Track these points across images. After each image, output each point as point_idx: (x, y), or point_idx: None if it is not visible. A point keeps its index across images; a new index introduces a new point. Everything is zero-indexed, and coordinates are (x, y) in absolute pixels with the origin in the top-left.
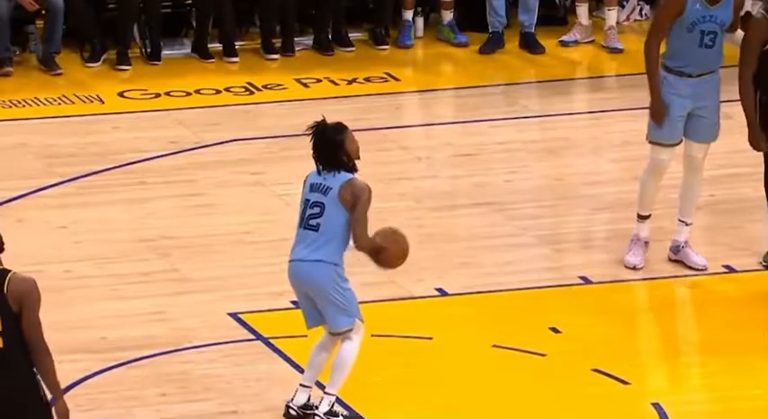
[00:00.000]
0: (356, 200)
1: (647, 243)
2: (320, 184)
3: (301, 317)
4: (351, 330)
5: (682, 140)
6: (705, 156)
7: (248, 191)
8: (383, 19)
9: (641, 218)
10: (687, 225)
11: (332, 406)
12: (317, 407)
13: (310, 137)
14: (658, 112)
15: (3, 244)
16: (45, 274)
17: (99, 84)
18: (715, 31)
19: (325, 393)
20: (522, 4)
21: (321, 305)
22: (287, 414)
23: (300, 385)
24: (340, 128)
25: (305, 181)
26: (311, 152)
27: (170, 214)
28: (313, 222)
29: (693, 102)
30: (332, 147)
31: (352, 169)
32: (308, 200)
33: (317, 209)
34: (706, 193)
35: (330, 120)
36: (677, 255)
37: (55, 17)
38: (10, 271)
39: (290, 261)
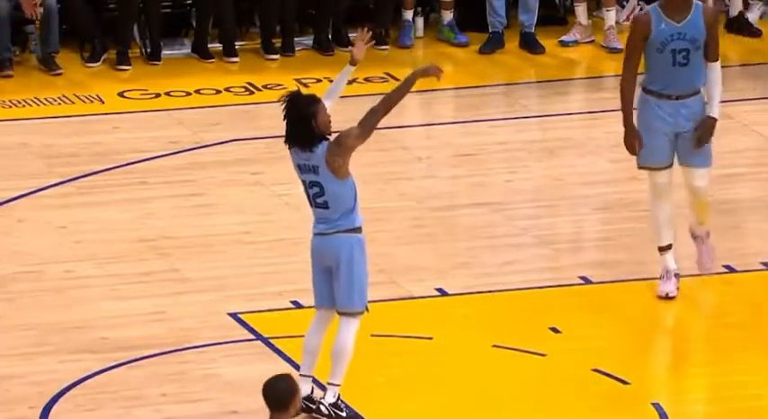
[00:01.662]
0: (339, 149)
1: (677, 274)
2: (306, 165)
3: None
4: (361, 313)
5: (672, 162)
6: (707, 183)
7: (248, 191)
8: (383, 19)
9: (662, 250)
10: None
11: (338, 398)
12: (322, 398)
13: (282, 106)
14: (631, 145)
15: None
16: (45, 274)
17: (99, 84)
18: (687, 49)
19: (329, 384)
20: (522, 4)
21: (338, 279)
22: None
23: (300, 375)
24: (313, 99)
25: (291, 157)
26: (283, 122)
27: (170, 214)
28: (320, 200)
29: (677, 125)
30: (304, 118)
31: (323, 140)
32: (304, 181)
33: (317, 189)
34: None
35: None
36: (695, 242)
37: (50, 18)
38: None
39: (314, 234)
